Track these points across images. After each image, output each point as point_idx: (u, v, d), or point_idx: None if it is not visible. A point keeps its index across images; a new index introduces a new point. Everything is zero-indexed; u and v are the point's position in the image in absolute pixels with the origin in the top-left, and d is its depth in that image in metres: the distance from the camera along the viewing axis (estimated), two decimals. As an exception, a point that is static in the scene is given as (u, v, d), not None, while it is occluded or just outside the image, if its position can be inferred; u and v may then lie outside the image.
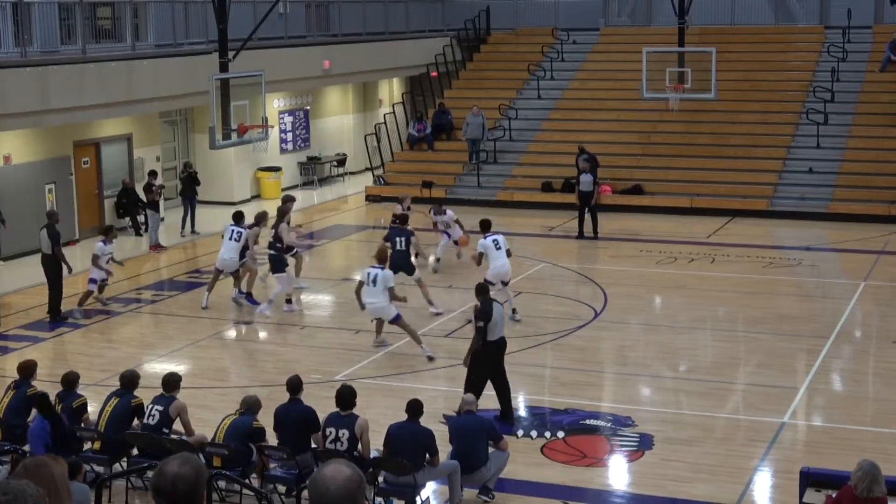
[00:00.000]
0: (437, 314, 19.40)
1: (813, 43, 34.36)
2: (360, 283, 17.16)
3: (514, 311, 19.05)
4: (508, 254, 18.93)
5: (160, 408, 12.41)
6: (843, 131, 30.49)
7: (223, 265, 20.18)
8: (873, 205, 27.75)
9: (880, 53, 32.56)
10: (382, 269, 17.05)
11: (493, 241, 18.76)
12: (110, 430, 12.37)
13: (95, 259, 19.89)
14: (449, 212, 22.63)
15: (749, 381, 16.47)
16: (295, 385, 12.38)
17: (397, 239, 19.89)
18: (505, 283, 18.88)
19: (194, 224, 27.18)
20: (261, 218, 20.80)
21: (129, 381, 12.78)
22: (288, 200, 21.06)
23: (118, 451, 12.44)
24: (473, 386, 14.22)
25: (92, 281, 19.99)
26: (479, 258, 18.95)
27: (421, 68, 36.14)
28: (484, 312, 14.34)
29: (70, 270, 20.04)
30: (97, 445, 12.46)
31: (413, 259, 20.21)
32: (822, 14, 35.63)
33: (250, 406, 12.19)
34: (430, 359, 16.99)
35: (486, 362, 14.37)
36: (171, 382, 12.68)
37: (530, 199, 30.12)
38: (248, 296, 20.32)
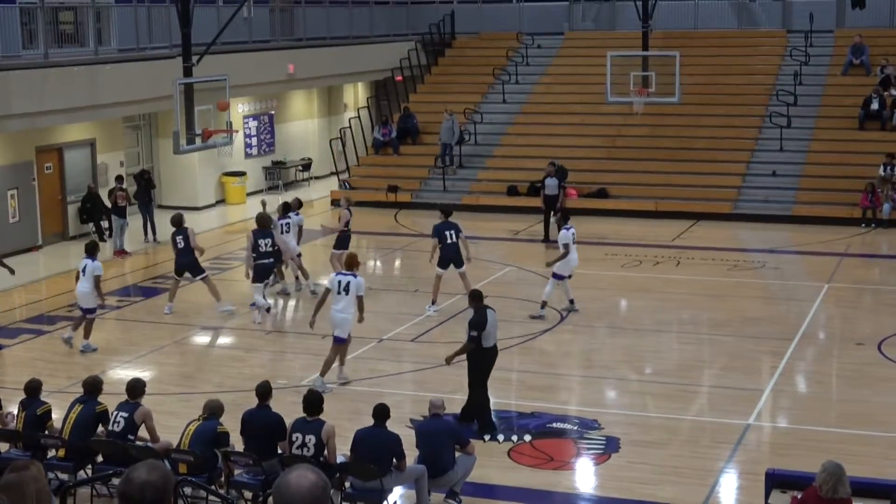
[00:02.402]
0: None
1: (775, 47, 34.62)
2: (327, 291, 16.24)
3: (571, 301, 19.88)
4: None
5: (125, 414, 12.33)
6: (806, 134, 30.71)
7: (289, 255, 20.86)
8: (836, 207, 27.97)
9: (842, 57, 32.84)
10: (355, 276, 16.02)
11: (573, 234, 19.65)
12: (74, 437, 12.27)
13: (98, 281, 17.97)
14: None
15: (714, 383, 16.56)
16: (264, 391, 12.34)
17: (447, 232, 20.06)
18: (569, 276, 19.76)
19: (155, 232, 26.90)
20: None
21: (93, 387, 12.68)
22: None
23: (83, 458, 12.35)
24: (477, 382, 14.37)
25: (90, 310, 18.20)
26: (567, 249, 19.35)
27: (386, 72, 36.14)
28: (478, 322, 14.22)
29: (13, 272, 19.86)
30: (61, 453, 12.36)
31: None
32: (785, 18, 35.88)
33: (213, 411, 12.13)
34: (322, 392, 15.30)
35: (482, 363, 14.39)
36: (136, 389, 12.60)
37: (496, 202, 30.16)
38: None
